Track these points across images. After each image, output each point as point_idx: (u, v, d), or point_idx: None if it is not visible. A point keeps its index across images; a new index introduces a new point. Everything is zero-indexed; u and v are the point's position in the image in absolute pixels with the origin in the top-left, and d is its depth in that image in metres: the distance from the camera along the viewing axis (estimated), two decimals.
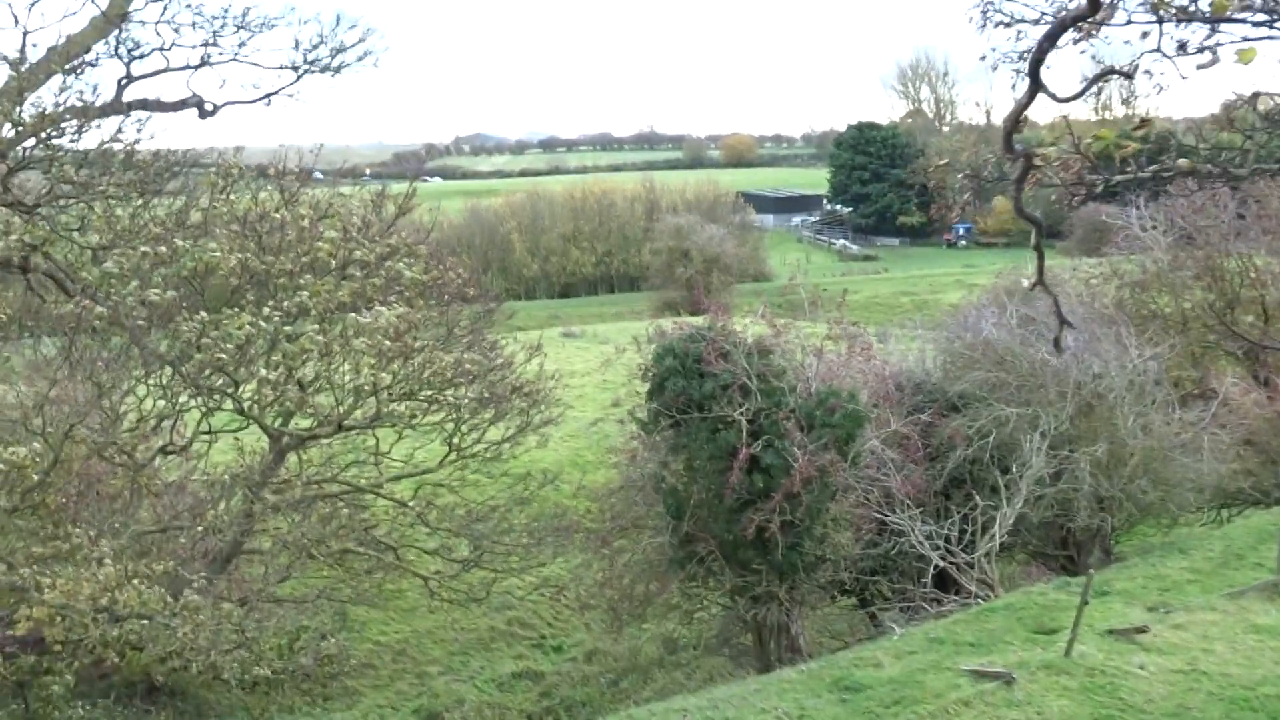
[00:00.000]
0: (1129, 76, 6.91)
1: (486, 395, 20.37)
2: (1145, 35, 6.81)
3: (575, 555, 25.04)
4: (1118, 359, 27.22)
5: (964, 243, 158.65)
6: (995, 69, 10.10)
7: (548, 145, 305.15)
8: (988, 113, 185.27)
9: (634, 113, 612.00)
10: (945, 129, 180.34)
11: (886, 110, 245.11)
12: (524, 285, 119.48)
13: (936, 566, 24.03)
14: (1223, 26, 6.75)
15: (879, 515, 24.20)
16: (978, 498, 24.80)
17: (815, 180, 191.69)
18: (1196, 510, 30.50)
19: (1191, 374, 32.50)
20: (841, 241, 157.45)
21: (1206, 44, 6.59)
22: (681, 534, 23.36)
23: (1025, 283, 29.76)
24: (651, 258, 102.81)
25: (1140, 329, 30.22)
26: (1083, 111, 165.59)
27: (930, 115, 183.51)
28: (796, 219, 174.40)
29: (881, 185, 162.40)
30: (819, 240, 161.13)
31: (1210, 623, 20.00)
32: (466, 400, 19.45)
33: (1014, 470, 25.16)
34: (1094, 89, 6.82)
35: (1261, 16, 6.81)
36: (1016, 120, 6.62)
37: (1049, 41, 6.66)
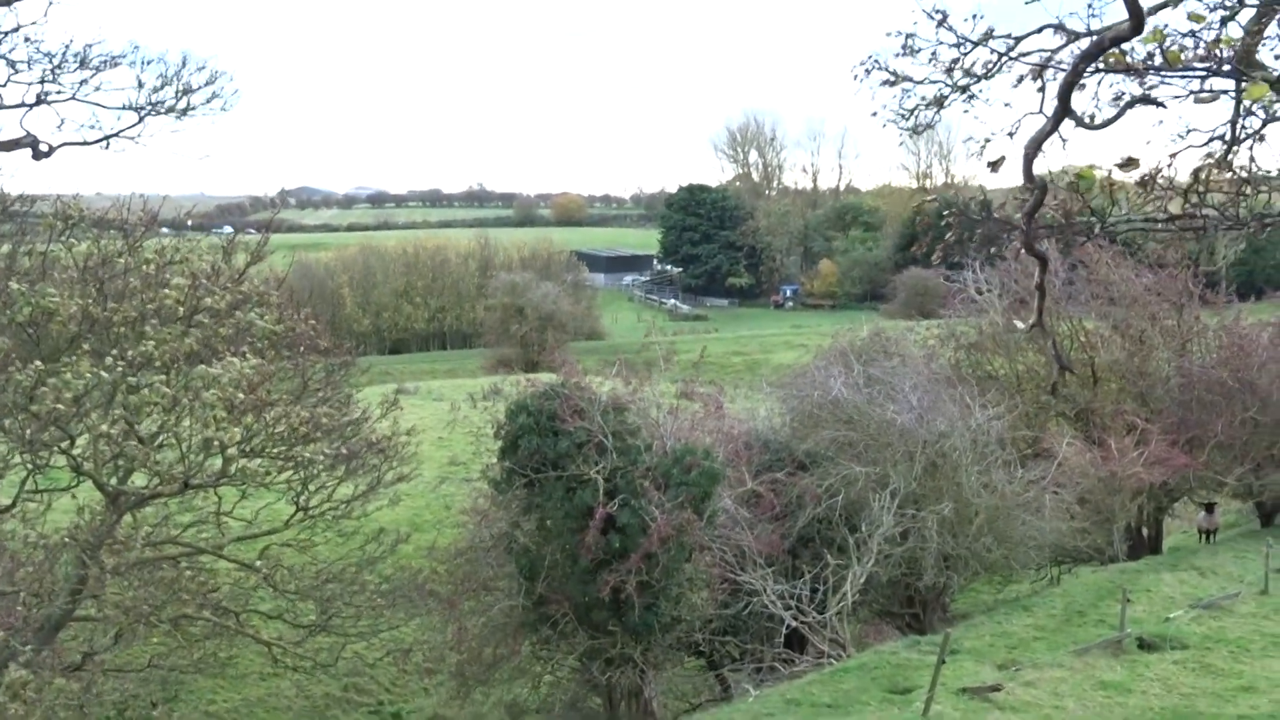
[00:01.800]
0: (1160, 104, 6.79)
1: (342, 451, 19.61)
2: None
3: (423, 618, 24.30)
4: (961, 419, 27.70)
5: (791, 304, 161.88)
6: (885, 126, 10.01)
7: (376, 200, 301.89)
8: (814, 177, 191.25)
9: (463, 169, 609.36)
10: (772, 193, 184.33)
11: (716, 173, 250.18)
12: (355, 341, 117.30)
13: (788, 626, 23.97)
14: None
15: (732, 575, 24.06)
16: (828, 556, 24.88)
17: (646, 241, 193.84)
18: (1037, 568, 31.20)
19: (1027, 434, 33.30)
20: (672, 301, 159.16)
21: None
22: (534, 596, 22.85)
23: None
24: (486, 314, 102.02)
25: (980, 390, 30.84)
26: (903, 178, 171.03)
27: (758, 179, 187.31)
28: (628, 278, 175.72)
29: (711, 246, 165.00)
30: (650, 300, 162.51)
31: (1060, 680, 20.36)
32: (322, 456, 18.67)
33: (863, 529, 25.34)
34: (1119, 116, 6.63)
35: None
36: (1039, 147, 6.42)
37: (1085, 62, 6.46)
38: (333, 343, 21.90)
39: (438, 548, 25.95)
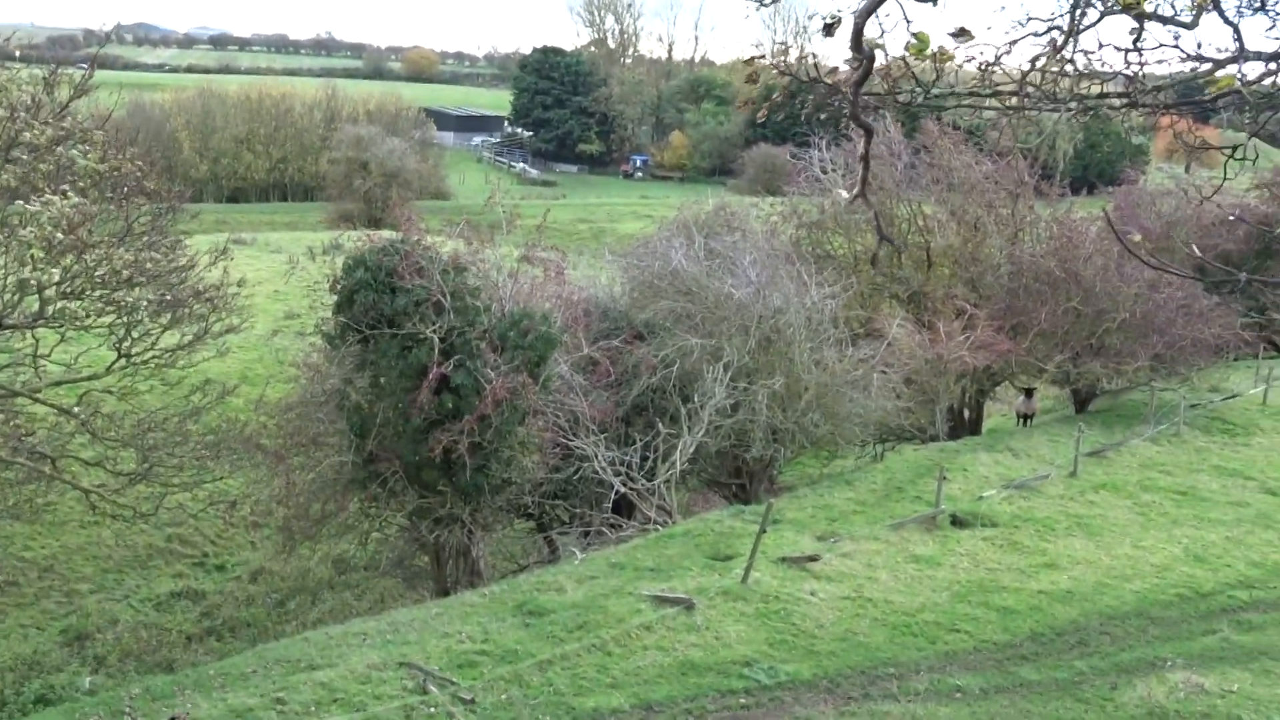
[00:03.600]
0: None
1: (166, 298, 18.94)
2: None
3: (249, 471, 23.98)
4: (797, 296, 28.08)
5: (641, 174, 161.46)
6: None
7: (219, 42, 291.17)
8: (670, 47, 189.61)
9: (312, 16, 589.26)
10: (627, 61, 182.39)
11: (571, 37, 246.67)
12: (191, 187, 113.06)
13: (617, 492, 24.30)
14: None
15: (564, 440, 24.21)
16: (660, 425, 25.19)
17: (497, 102, 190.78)
18: (862, 445, 32.02)
19: (860, 314, 33.95)
20: (521, 165, 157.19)
21: None
22: (365, 453, 22.67)
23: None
24: (329, 167, 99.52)
25: (818, 268, 31.27)
26: (758, 54, 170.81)
27: (613, 46, 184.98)
28: (477, 139, 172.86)
29: (563, 111, 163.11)
30: (499, 162, 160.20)
31: (875, 552, 21.07)
32: (145, 302, 18.05)
33: (695, 400, 25.67)
34: None
35: None
36: (869, 15, 6.33)
37: None
38: (162, 186, 21.00)
39: (266, 401, 25.51)
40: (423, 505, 23.15)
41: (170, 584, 28.18)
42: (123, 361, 20.12)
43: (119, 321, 19.17)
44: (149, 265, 17.83)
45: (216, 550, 30.20)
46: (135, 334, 19.87)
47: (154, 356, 20.38)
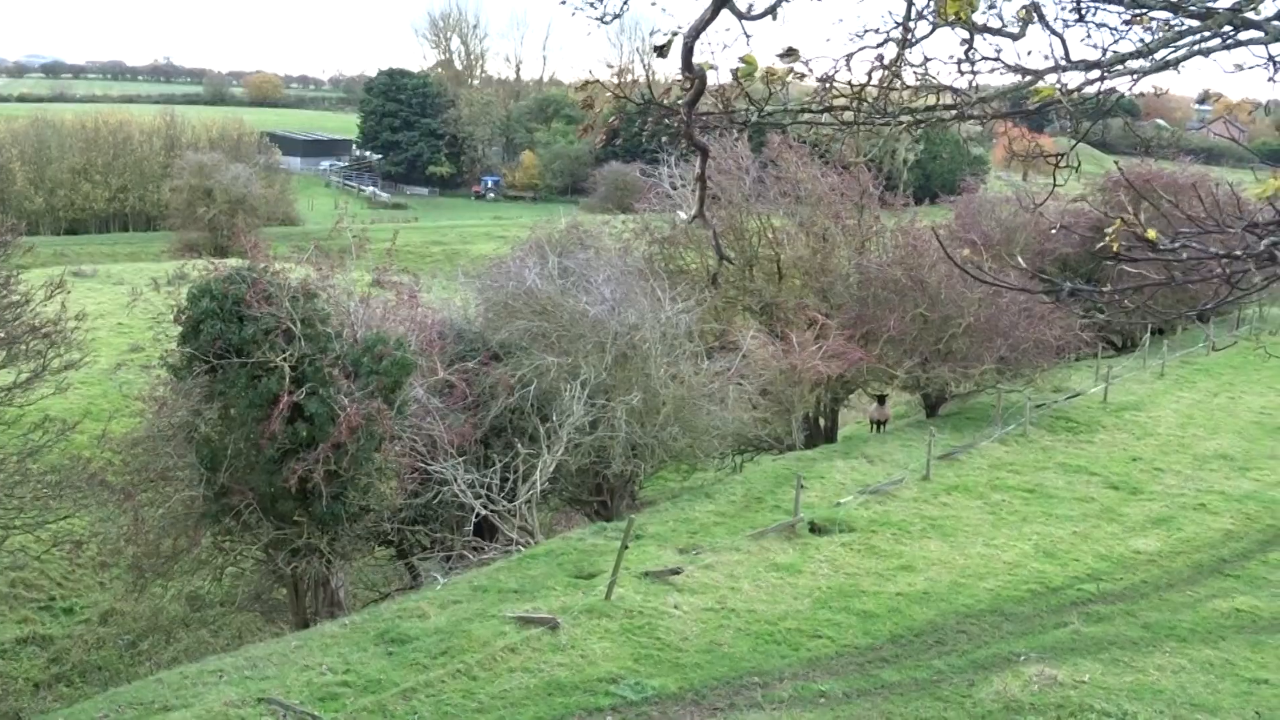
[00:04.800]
0: None
1: (0, 336, 18.29)
2: None
3: (95, 510, 23.23)
4: (652, 311, 28.25)
5: (493, 195, 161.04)
6: (574, 14, 9.89)
7: (51, 70, 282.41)
8: (517, 67, 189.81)
9: (149, 41, 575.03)
10: (475, 82, 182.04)
11: (418, 59, 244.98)
12: (25, 220, 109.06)
13: (478, 515, 24.13)
14: None
15: (423, 465, 23.98)
16: (519, 446, 25.12)
17: (345, 125, 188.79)
18: (721, 457, 32.29)
19: (715, 327, 34.26)
20: (371, 188, 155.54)
21: None
22: (216, 486, 22.14)
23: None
24: (172, 196, 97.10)
25: (672, 284, 31.49)
26: (606, 73, 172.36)
27: (460, 67, 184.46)
28: (325, 163, 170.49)
29: (412, 134, 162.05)
30: (348, 186, 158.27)
31: (736, 562, 21.27)
32: None
33: (554, 418, 25.67)
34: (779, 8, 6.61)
35: None
36: (698, 35, 6.36)
37: None
38: None
39: (112, 436, 24.75)
40: (279, 537, 22.70)
41: (15, 630, 27.16)
42: None
43: None
44: None
45: (64, 593, 29.18)
46: None
47: None
